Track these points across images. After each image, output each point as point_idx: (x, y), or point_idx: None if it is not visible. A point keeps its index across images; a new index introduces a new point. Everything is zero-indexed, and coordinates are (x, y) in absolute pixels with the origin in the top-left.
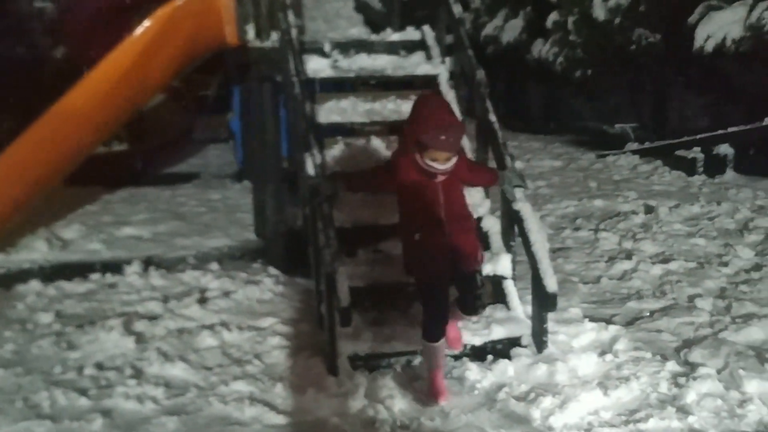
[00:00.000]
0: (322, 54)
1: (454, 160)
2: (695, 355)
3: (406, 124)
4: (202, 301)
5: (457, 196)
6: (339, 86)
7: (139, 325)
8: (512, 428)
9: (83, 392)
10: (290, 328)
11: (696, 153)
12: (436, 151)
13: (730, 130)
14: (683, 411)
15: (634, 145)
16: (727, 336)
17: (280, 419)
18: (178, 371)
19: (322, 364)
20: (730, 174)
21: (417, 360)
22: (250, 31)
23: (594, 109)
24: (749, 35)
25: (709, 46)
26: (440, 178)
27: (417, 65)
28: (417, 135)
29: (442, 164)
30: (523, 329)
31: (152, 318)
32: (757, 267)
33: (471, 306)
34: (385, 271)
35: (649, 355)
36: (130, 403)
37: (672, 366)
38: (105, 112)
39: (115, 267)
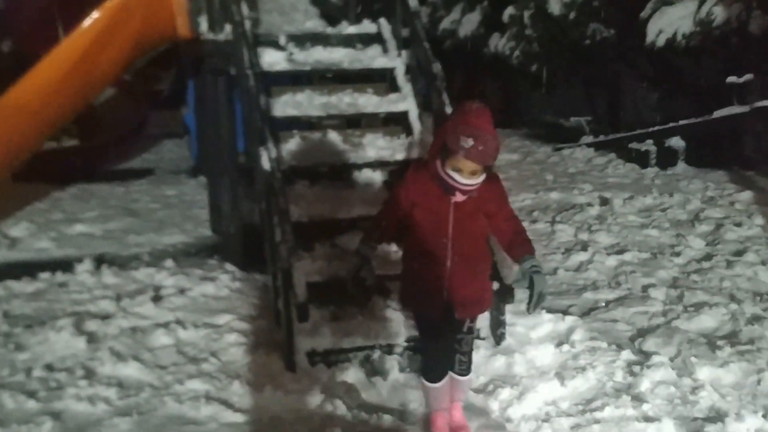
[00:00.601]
0: (278, 47)
1: (480, 178)
2: (649, 343)
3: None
4: (157, 299)
5: (473, 226)
6: (295, 79)
7: (91, 325)
8: (471, 420)
9: (32, 395)
10: (247, 325)
11: (649, 146)
12: (462, 159)
13: (681, 123)
14: (638, 399)
15: (589, 138)
16: (680, 324)
17: (237, 417)
18: (131, 371)
19: (279, 361)
20: (681, 166)
21: (376, 354)
22: (203, 24)
23: (550, 103)
24: (698, 30)
25: (661, 41)
26: (458, 197)
27: (373, 58)
28: (444, 136)
29: (464, 178)
30: (481, 322)
31: (104, 317)
32: (708, 257)
33: (457, 365)
34: (343, 265)
35: (604, 344)
36: (81, 404)
37: (627, 355)
38: (53, 106)
39: (65, 265)
